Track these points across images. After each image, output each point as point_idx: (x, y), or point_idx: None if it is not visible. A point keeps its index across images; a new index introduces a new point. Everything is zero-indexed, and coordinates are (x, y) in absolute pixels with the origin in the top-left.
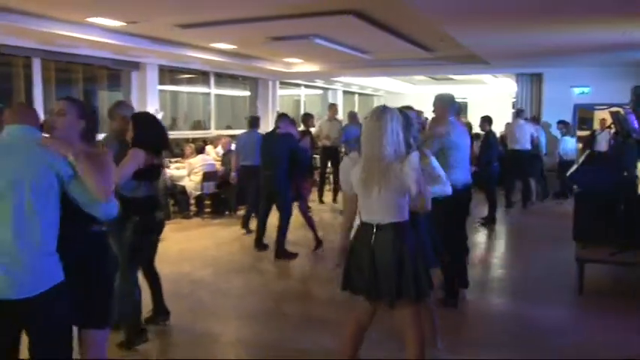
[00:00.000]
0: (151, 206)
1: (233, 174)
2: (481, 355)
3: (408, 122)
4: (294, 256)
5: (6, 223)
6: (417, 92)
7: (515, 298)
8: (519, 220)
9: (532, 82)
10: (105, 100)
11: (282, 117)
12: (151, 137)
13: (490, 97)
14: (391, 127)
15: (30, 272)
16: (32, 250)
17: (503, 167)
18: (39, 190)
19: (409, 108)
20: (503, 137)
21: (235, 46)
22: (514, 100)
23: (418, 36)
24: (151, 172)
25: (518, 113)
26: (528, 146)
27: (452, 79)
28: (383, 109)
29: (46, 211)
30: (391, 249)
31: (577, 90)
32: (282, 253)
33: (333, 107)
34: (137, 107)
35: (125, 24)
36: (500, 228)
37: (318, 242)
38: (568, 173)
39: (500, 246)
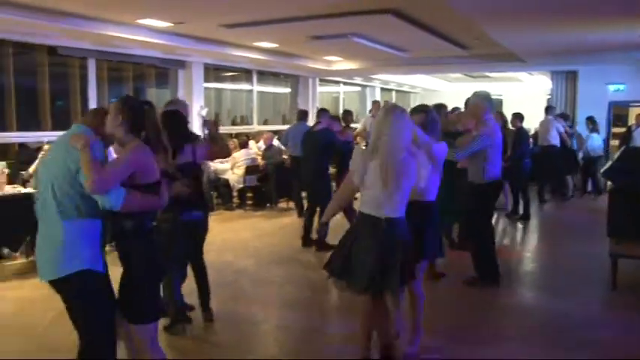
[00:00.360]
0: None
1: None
2: (511, 348)
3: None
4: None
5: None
6: (453, 90)
7: (546, 292)
8: (552, 215)
9: (567, 80)
10: (153, 97)
11: (322, 112)
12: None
13: (525, 95)
14: (404, 124)
15: (47, 261)
16: (47, 240)
17: (535, 163)
18: (59, 184)
19: (442, 106)
20: (536, 134)
21: (277, 45)
22: (549, 97)
23: (455, 34)
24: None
25: (547, 110)
26: (557, 143)
27: (487, 76)
28: (394, 107)
29: (64, 205)
30: (401, 243)
31: (612, 87)
32: (323, 245)
33: (376, 104)
34: None
35: (173, 25)
36: (533, 223)
37: None
38: (602, 170)
39: (533, 240)
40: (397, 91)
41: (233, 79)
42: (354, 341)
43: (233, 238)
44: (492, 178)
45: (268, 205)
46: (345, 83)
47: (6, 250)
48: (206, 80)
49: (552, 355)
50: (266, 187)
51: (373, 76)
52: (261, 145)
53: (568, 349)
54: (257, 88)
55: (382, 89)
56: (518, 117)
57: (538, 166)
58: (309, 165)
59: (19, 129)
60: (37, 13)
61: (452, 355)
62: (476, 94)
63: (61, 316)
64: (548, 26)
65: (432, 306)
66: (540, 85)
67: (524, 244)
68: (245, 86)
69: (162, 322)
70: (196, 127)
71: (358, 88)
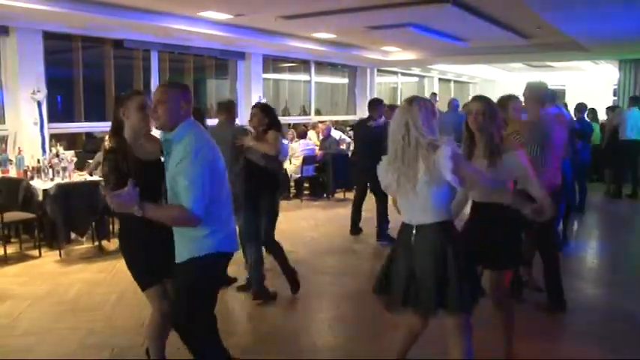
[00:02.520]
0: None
1: None
2: (576, 346)
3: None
4: (394, 240)
5: None
6: (512, 80)
7: (610, 290)
8: (621, 209)
9: (636, 69)
10: (213, 87)
11: (373, 105)
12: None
13: (589, 84)
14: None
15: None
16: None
17: (606, 156)
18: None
19: (511, 97)
20: (603, 125)
21: (335, 36)
22: (615, 87)
23: (516, 23)
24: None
25: (634, 101)
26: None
27: (549, 66)
28: (407, 100)
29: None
30: (432, 253)
31: None
32: (384, 236)
33: (433, 96)
34: (242, 94)
35: (233, 17)
36: (600, 217)
37: None
38: None
39: (598, 236)
40: (455, 81)
41: (291, 70)
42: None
43: (289, 228)
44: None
45: (324, 195)
46: (402, 74)
47: (73, 235)
48: (265, 71)
49: (618, 354)
50: (323, 178)
51: (431, 67)
52: (319, 135)
53: (633, 349)
54: (315, 78)
55: (440, 79)
56: (580, 108)
57: (617, 159)
58: (360, 158)
59: (86, 119)
60: (104, 8)
61: (518, 352)
62: (529, 87)
63: (123, 297)
64: (614, 13)
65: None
66: (606, 75)
67: (589, 239)
68: (303, 77)
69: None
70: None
71: (416, 79)
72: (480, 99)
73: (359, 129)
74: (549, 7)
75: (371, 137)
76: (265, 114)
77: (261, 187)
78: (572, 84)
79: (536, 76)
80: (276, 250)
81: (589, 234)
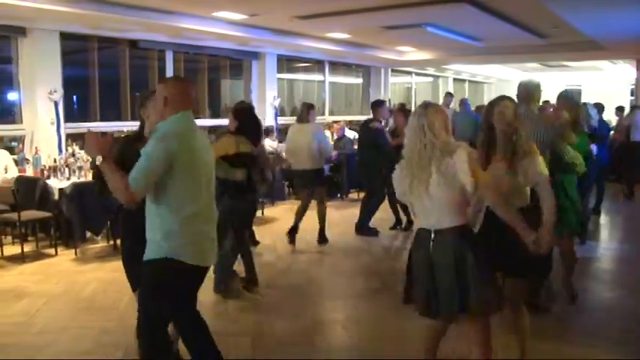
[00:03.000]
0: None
1: None
2: (590, 349)
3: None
4: (374, 233)
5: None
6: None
7: (627, 293)
8: (637, 210)
9: None
10: (227, 87)
11: (373, 107)
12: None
13: (606, 84)
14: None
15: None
16: None
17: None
18: None
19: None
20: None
21: (349, 36)
22: (632, 86)
23: (532, 23)
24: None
25: None
26: None
27: (565, 65)
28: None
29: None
30: (452, 257)
31: None
32: (363, 230)
33: (449, 96)
34: (257, 94)
35: (247, 17)
36: (616, 219)
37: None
38: None
39: (613, 238)
40: (470, 81)
41: (305, 70)
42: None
43: (304, 227)
44: None
45: (339, 195)
46: (416, 74)
47: (88, 234)
48: (279, 71)
49: (634, 358)
50: (337, 178)
51: (446, 67)
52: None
53: None
54: (329, 78)
55: (455, 79)
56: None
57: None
58: (361, 160)
59: (102, 119)
60: (120, 8)
61: (532, 353)
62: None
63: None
64: (633, 11)
65: None
66: (623, 74)
67: (604, 241)
68: (317, 77)
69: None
70: (270, 116)
71: (430, 79)
72: (509, 98)
73: (360, 129)
74: (567, 5)
75: (368, 138)
76: (234, 117)
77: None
78: (589, 84)
79: (552, 76)
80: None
81: (606, 235)
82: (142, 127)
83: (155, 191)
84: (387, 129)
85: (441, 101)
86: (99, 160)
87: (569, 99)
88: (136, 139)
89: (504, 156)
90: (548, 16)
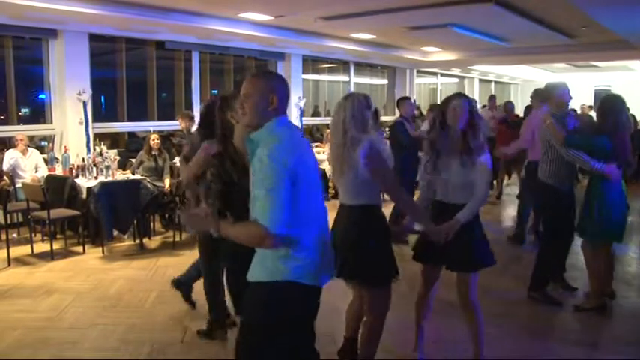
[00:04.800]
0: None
1: None
2: (619, 356)
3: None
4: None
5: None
6: (555, 80)
7: None
8: None
9: None
10: None
11: (399, 102)
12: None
13: (637, 84)
14: (350, 113)
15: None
16: None
17: None
18: None
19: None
20: None
21: (374, 36)
22: None
23: (561, 23)
24: None
25: None
26: None
27: (594, 65)
28: (345, 96)
29: None
30: (352, 230)
31: None
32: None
33: (492, 99)
34: None
35: (273, 18)
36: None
37: None
38: None
39: None
40: (496, 82)
41: (330, 71)
42: (451, 340)
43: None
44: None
45: None
46: (442, 74)
47: (115, 232)
48: (304, 72)
49: None
50: None
51: (472, 67)
52: None
53: None
54: (354, 79)
55: (481, 80)
56: None
57: None
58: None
59: (129, 119)
60: (148, 10)
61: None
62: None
63: (163, 294)
64: None
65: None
66: None
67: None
68: (342, 77)
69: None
70: (294, 117)
71: (456, 79)
72: (463, 96)
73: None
74: (598, 3)
75: (391, 135)
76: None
77: None
78: (619, 84)
79: (580, 76)
80: None
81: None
82: (227, 133)
83: None
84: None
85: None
86: (214, 233)
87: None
88: (231, 153)
89: (461, 151)
90: (577, 15)
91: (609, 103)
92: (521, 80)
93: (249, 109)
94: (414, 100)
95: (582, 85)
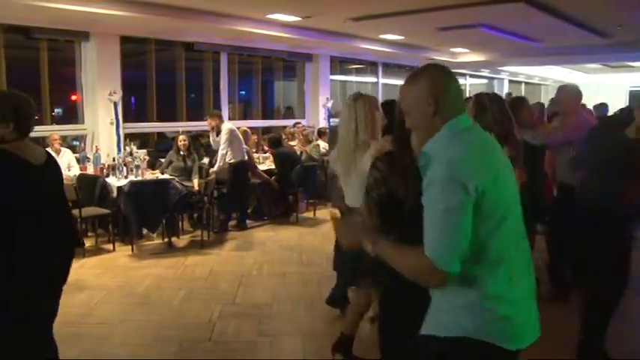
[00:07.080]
0: None
1: None
2: None
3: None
4: None
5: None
6: (587, 81)
7: None
8: None
9: None
10: (281, 89)
11: None
12: None
13: None
14: (361, 114)
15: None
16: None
17: None
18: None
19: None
20: None
21: (403, 37)
22: None
23: (594, 22)
24: None
25: None
26: None
27: (629, 66)
28: (354, 98)
29: None
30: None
31: None
32: None
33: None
34: (310, 96)
35: (300, 19)
36: None
37: None
38: None
39: None
40: (527, 83)
41: (358, 72)
42: None
43: None
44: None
45: None
46: (471, 75)
47: (144, 231)
48: (332, 73)
49: None
50: None
51: (501, 68)
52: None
53: None
54: (382, 80)
55: (510, 81)
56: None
57: None
58: None
59: (158, 120)
60: (178, 12)
61: None
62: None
63: (191, 293)
64: None
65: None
66: None
67: None
68: (370, 78)
69: None
70: (321, 118)
71: (485, 81)
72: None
73: None
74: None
75: None
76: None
77: None
78: None
79: (614, 77)
80: None
81: None
82: (403, 136)
83: None
84: None
85: None
86: (368, 248)
87: None
88: (407, 156)
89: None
90: (611, 14)
91: None
92: (552, 81)
93: (411, 124)
94: None
95: (616, 85)
